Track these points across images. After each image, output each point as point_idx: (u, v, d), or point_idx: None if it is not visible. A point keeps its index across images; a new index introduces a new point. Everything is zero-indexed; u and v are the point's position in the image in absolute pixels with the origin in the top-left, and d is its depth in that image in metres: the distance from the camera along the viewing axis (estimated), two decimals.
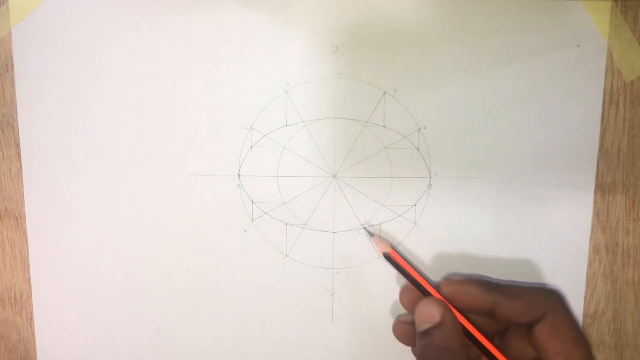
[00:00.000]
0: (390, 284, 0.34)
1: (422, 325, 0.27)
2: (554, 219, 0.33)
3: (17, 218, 0.34)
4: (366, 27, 0.32)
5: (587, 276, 0.34)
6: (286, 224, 0.33)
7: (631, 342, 0.35)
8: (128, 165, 0.33)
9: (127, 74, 0.32)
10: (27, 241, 0.34)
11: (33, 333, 0.35)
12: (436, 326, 0.27)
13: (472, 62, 0.32)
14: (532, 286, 0.28)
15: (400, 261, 0.30)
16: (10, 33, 0.32)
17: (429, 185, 0.33)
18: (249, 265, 0.34)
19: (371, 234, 0.33)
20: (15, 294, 0.34)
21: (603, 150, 0.33)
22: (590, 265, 0.34)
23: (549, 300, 0.26)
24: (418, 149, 0.33)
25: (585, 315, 0.35)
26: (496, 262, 0.34)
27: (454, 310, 0.28)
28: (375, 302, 0.34)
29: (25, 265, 0.34)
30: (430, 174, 0.33)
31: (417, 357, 0.28)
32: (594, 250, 0.34)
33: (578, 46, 0.32)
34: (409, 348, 0.33)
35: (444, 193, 0.33)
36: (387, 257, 0.31)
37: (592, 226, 0.34)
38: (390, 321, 0.34)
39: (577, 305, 0.34)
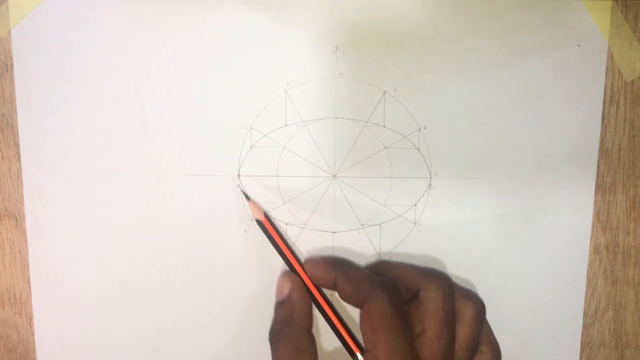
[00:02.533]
0: None
1: (276, 298, 0.30)
2: (554, 219, 0.33)
3: (16, 218, 0.34)
4: (366, 27, 0.32)
5: (587, 276, 0.34)
6: (286, 224, 0.33)
7: (631, 342, 0.35)
8: (128, 165, 0.33)
9: (127, 74, 0.32)
10: (26, 241, 0.34)
11: (33, 333, 0.35)
12: (285, 299, 0.29)
13: (472, 62, 0.32)
14: (373, 270, 0.29)
15: (270, 230, 0.31)
16: (9, 33, 0.32)
17: (429, 185, 0.33)
18: (249, 265, 0.34)
19: (247, 198, 0.33)
20: (14, 294, 0.34)
21: (603, 150, 0.33)
22: (590, 265, 0.34)
23: (373, 287, 0.26)
24: (418, 149, 0.33)
25: (585, 315, 0.35)
26: (496, 262, 0.34)
27: (309, 284, 0.29)
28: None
29: (25, 265, 0.34)
30: (430, 174, 0.33)
31: (269, 329, 0.29)
32: (595, 250, 0.34)
33: (578, 46, 0.32)
34: None
35: (444, 193, 0.33)
36: (260, 224, 0.31)
37: (593, 226, 0.34)
38: None
39: (577, 306, 0.34)
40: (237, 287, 0.34)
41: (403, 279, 0.28)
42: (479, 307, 0.28)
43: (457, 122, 0.33)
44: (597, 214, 0.34)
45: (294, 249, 0.33)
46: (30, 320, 0.35)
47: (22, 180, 0.33)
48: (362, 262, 0.34)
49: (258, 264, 0.34)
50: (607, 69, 0.32)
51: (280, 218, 0.33)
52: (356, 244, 0.34)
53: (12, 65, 0.32)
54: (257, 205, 0.32)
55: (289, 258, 0.30)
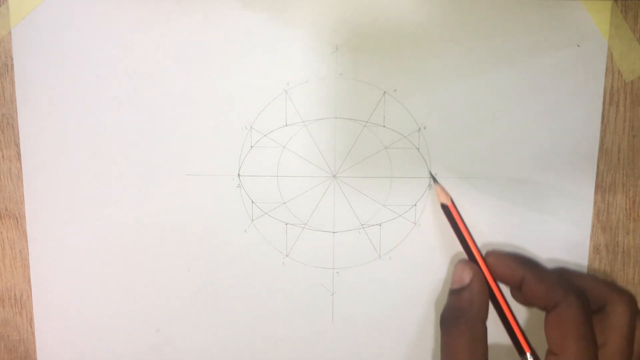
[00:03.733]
0: (391, 284, 0.34)
1: (453, 285, 0.30)
2: (554, 219, 0.33)
3: (17, 218, 0.34)
4: (366, 27, 0.32)
5: None
6: (286, 224, 0.33)
7: None
8: (128, 165, 0.33)
9: (127, 74, 0.32)
10: (27, 241, 0.34)
11: (33, 333, 0.35)
12: (464, 288, 0.29)
13: (472, 62, 0.32)
14: (563, 276, 0.29)
15: (456, 217, 0.31)
16: (10, 33, 0.32)
17: (429, 185, 0.33)
18: (249, 265, 0.34)
19: (435, 181, 0.32)
20: (15, 294, 0.34)
21: (603, 150, 0.33)
22: (590, 265, 0.34)
23: (568, 293, 0.27)
24: (418, 149, 0.33)
25: None
26: None
27: (489, 278, 0.29)
28: (375, 302, 0.34)
29: (25, 265, 0.34)
30: (430, 174, 0.33)
31: (441, 314, 0.29)
32: (595, 250, 0.34)
33: (578, 46, 0.32)
34: (409, 348, 0.33)
35: None
36: (445, 209, 0.31)
37: (593, 226, 0.34)
38: (390, 321, 0.34)
39: None
40: (237, 286, 0.34)
41: (590, 289, 0.29)
42: None
43: (457, 122, 0.33)
44: (597, 214, 0.34)
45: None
46: (30, 320, 0.35)
47: (22, 180, 0.33)
48: (362, 262, 0.34)
49: (258, 264, 0.34)
50: (607, 69, 0.32)
51: (280, 218, 0.33)
52: (356, 244, 0.34)
53: (12, 65, 0.32)
54: (444, 190, 0.32)
55: (472, 248, 0.30)
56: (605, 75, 0.32)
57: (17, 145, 0.33)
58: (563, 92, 0.32)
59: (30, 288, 0.34)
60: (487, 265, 0.30)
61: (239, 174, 0.33)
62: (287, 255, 0.34)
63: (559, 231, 0.33)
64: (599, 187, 0.33)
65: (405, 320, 0.34)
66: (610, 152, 0.33)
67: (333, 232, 0.33)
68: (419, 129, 0.33)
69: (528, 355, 0.28)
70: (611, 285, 0.29)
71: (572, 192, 0.33)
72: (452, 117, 0.33)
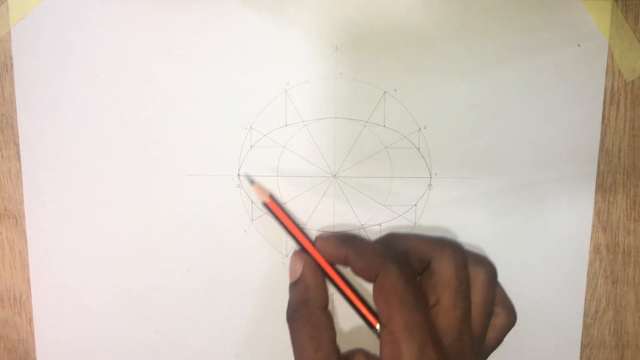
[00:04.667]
0: None
1: (290, 279, 0.29)
2: (554, 219, 0.33)
3: (16, 218, 0.34)
4: (366, 27, 0.32)
5: (587, 276, 0.34)
6: None
7: (632, 342, 0.35)
8: (128, 165, 0.33)
9: (127, 74, 0.32)
10: (26, 241, 0.34)
11: (32, 333, 0.35)
12: (297, 280, 0.29)
13: (472, 62, 0.32)
14: (384, 244, 0.29)
15: (278, 212, 0.30)
16: (9, 33, 0.32)
17: (429, 185, 0.33)
18: (249, 265, 0.34)
19: (251, 182, 0.32)
20: (14, 294, 0.34)
21: (604, 150, 0.33)
22: (590, 265, 0.34)
23: (385, 261, 0.26)
24: (418, 149, 0.33)
25: (585, 315, 0.34)
26: (496, 262, 0.34)
27: (321, 261, 0.29)
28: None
29: (25, 266, 0.34)
30: (430, 174, 0.33)
31: (286, 311, 0.29)
32: (595, 250, 0.34)
33: (579, 46, 0.32)
34: None
35: (444, 193, 0.33)
36: (266, 207, 0.31)
37: (593, 226, 0.34)
38: None
39: (577, 306, 0.34)
40: (237, 286, 0.34)
41: (414, 250, 0.28)
42: (491, 271, 0.28)
43: (457, 122, 0.33)
44: (597, 214, 0.34)
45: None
46: (30, 320, 0.35)
47: (22, 180, 0.33)
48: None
49: (258, 264, 0.34)
50: (607, 69, 0.32)
51: None
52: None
53: (12, 65, 0.32)
54: (261, 188, 0.31)
55: (299, 237, 0.30)
56: (606, 75, 0.32)
57: (17, 145, 0.33)
58: (563, 92, 0.32)
59: (30, 288, 0.34)
60: (317, 250, 0.29)
61: (239, 174, 0.33)
62: (287, 255, 0.34)
63: (559, 231, 0.33)
64: (600, 187, 0.33)
65: None
66: (611, 152, 0.33)
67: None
68: (419, 129, 0.33)
69: (377, 327, 0.27)
70: (434, 241, 0.28)
71: (572, 192, 0.33)
72: (452, 117, 0.32)
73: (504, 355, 0.33)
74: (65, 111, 0.32)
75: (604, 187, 0.33)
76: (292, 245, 0.34)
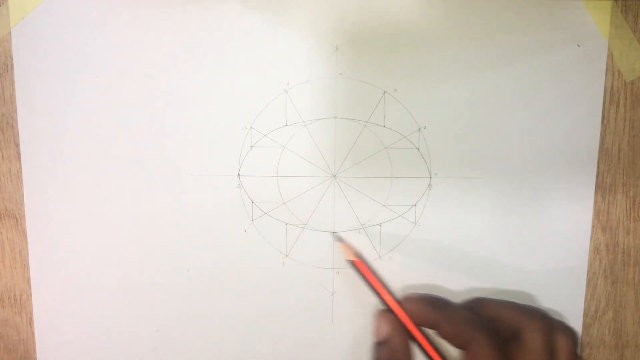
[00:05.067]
0: (391, 284, 0.34)
1: (375, 338, 0.30)
2: (554, 219, 0.33)
3: (16, 218, 0.34)
4: (366, 27, 0.32)
5: (587, 276, 0.34)
6: (286, 224, 0.33)
7: (631, 342, 0.35)
8: (128, 165, 0.33)
9: (127, 74, 0.32)
10: (26, 241, 0.34)
11: (33, 333, 0.35)
12: (384, 341, 0.29)
13: (472, 62, 0.32)
14: (474, 312, 0.29)
15: (365, 272, 0.31)
16: (10, 33, 0.32)
17: (429, 185, 0.33)
18: (249, 265, 0.34)
19: (339, 239, 0.33)
20: (15, 294, 0.34)
21: (603, 150, 0.33)
22: (590, 265, 0.34)
23: (476, 332, 0.27)
24: (418, 149, 0.33)
25: (585, 315, 0.34)
26: (496, 262, 0.34)
27: (409, 324, 0.29)
28: (375, 302, 0.34)
29: (25, 265, 0.34)
30: (430, 174, 0.33)
31: None
32: (595, 250, 0.34)
33: (578, 46, 0.32)
34: None
35: (444, 193, 0.33)
36: (353, 265, 0.31)
37: (593, 226, 0.34)
38: None
39: (577, 306, 0.34)
40: (237, 286, 0.34)
41: (503, 318, 0.29)
42: (575, 340, 0.29)
43: (457, 122, 0.33)
44: (597, 214, 0.34)
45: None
46: (30, 320, 0.35)
47: (22, 180, 0.33)
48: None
49: (258, 264, 0.34)
50: (607, 69, 0.32)
51: (280, 218, 0.33)
52: (356, 244, 0.34)
53: (12, 65, 0.32)
54: (349, 246, 0.32)
55: (387, 298, 0.30)
56: (606, 75, 0.32)
57: (17, 145, 0.33)
58: (563, 92, 0.32)
59: (30, 288, 0.34)
60: (405, 312, 0.29)
61: (239, 174, 0.33)
62: (287, 255, 0.34)
63: (559, 231, 0.33)
64: (599, 187, 0.33)
65: None
66: (611, 152, 0.33)
67: (333, 232, 0.33)
68: (419, 129, 0.33)
69: None
70: (524, 310, 0.29)
71: (572, 192, 0.33)
72: (452, 117, 0.33)
73: None
74: (65, 111, 0.32)
75: (604, 187, 0.33)
76: (291, 246, 0.34)
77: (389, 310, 0.30)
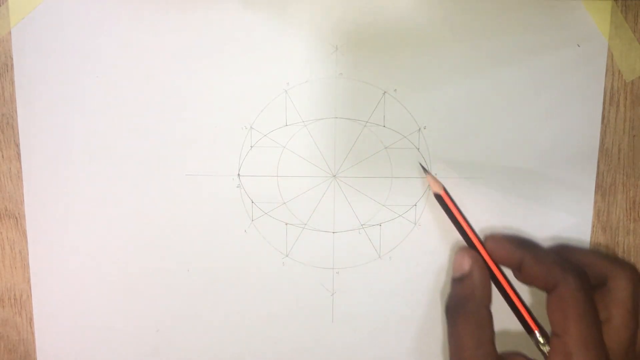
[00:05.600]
0: (391, 284, 0.34)
1: (455, 273, 0.30)
2: (554, 219, 0.33)
3: (16, 218, 0.34)
4: (366, 27, 0.32)
5: None
6: (286, 224, 0.33)
7: None
8: (128, 165, 0.33)
9: (127, 74, 0.32)
10: (26, 241, 0.34)
11: (33, 333, 0.35)
12: (464, 276, 0.29)
13: (473, 62, 0.32)
14: (562, 255, 0.29)
15: (450, 205, 0.30)
16: (10, 33, 0.32)
17: (430, 185, 0.33)
18: (249, 265, 0.34)
19: (426, 171, 0.32)
20: (15, 294, 0.34)
21: (603, 150, 0.33)
22: None
23: (566, 273, 0.26)
24: (418, 149, 0.33)
25: None
26: None
27: (490, 263, 0.29)
28: (375, 302, 0.34)
29: (25, 266, 0.34)
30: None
31: (445, 304, 0.29)
32: None
33: (578, 46, 0.32)
34: (409, 348, 0.33)
35: None
36: (439, 199, 0.31)
37: (593, 226, 0.34)
38: (390, 321, 0.34)
39: None
40: (237, 286, 0.34)
41: (590, 265, 0.28)
42: None
43: (457, 122, 0.33)
44: (597, 214, 0.34)
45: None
46: (30, 320, 0.35)
47: (22, 180, 0.33)
48: (362, 262, 0.34)
49: (258, 264, 0.34)
50: (607, 69, 0.32)
51: (280, 218, 0.33)
52: (356, 244, 0.34)
53: (12, 65, 0.32)
54: (435, 179, 0.31)
55: (470, 234, 0.30)
56: (606, 75, 0.32)
57: (17, 145, 0.33)
58: (563, 92, 0.32)
59: (30, 288, 0.34)
60: (486, 250, 0.29)
61: (239, 174, 0.33)
62: (287, 255, 0.34)
63: (560, 231, 0.33)
64: (599, 187, 0.33)
65: (405, 320, 0.34)
66: (611, 152, 0.33)
67: (333, 232, 0.33)
68: (419, 129, 0.33)
69: (536, 333, 0.28)
70: (612, 259, 0.29)
71: (572, 192, 0.33)
72: (452, 117, 0.32)
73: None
74: (66, 111, 0.32)
75: (604, 187, 0.33)
76: (291, 246, 0.34)
77: (471, 247, 0.30)
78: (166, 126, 0.33)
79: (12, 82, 0.32)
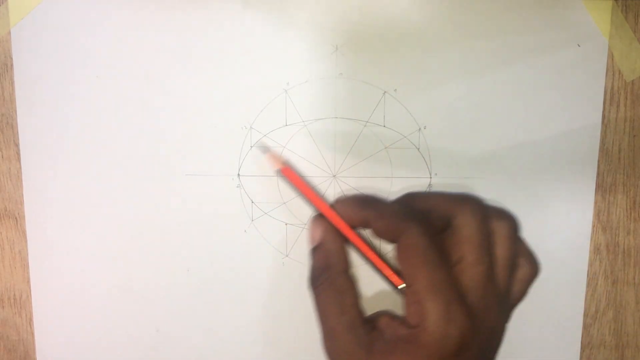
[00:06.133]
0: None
1: (310, 244, 0.29)
2: (554, 219, 0.33)
3: (16, 218, 0.33)
4: (366, 27, 0.32)
5: (587, 276, 0.34)
6: (286, 224, 0.33)
7: (632, 342, 0.35)
8: (128, 165, 0.33)
9: (127, 74, 0.32)
10: (26, 241, 0.34)
11: (32, 333, 0.35)
12: (317, 246, 0.28)
13: (473, 62, 0.32)
14: (404, 204, 0.28)
15: (294, 179, 0.30)
16: (9, 33, 0.32)
17: (429, 185, 0.33)
18: (249, 265, 0.34)
19: (265, 150, 0.32)
20: (14, 294, 0.34)
21: (604, 150, 0.33)
22: (591, 265, 0.34)
23: (407, 222, 0.26)
24: (418, 149, 0.33)
25: (585, 315, 0.34)
26: None
27: (341, 225, 0.28)
28: (374, 302, 0.34)
29: (25, 266, 0.34)
30: (430, 174, 0.33)
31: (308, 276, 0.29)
32: (595, 250, 0.34)
33: (579, 46, 0.32)
34: None
35: None
36: (281, 175, 0.30)
37: (593, 226, 0.34)
38: None
39: (577, 306, 0.34)
40: (237, 286, 0.34)
41: (434, 208, 0.27)
42: (513, 224, 0.27)
43: (457, 122, 0.33)
44: (597, 214, 0.34)
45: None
46: (30, 320, 0.35)
47: (22, 180, 0.33)
48: (361, 262, 0.34)
49: (258, 264, 0.34)
50: (607, 69, 0.32)
51: (280, 218, 0.33)
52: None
53: (12, 65, 0.32)
54: (276, 155, 0.31)
55: (317, 203, 0.29)
56: (606, 75, 0.32)
57: (17, 145, 0.33)
58: (563, 92, 0.32)
59: (30, 288, 0.34)
60: (337, 214, 0.28)
61: (239, 174, 0.33)
62: (287, 255, 0.34)
63: (559, 231, 0.33)
64: (600, 187, 0.33)
65: None
66: (611, 152, 0.33)
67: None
68: (419, 129, 0.33)
69: (401, 287, 0.27)
70: (455, 197, 0.28)
71: (572, 192, 0.33)
72: (452, 117, 0.32)
73: (504, 355, 0.33)
74: (66, 111, 0.32)
75: (604, 187, 0.33)
76: (291, 246, 0.34)
77: (321, 216, 0.29)
78: (166, 126, 0.33)
79: (12, 82, 0.32)
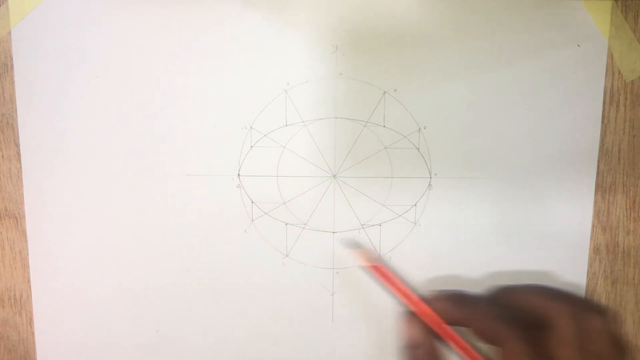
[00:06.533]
0: None
1: (405, 342, 0.29)
2: (554, 219, 0.33)
3: (16, 218, 0.34)
4: (366, 27, 0.32)
5: (587, 276, 0.34)
6: (286, 224, 0.33)
7: (631, 342, 0.35)
8: (128, 165, 0.33)
9: (127, 74, 0.32)
10: (26, 241, 0.34)
11: (33, 333, 0.35)
12: (416, 345, 0.28)
13: (473, 62, 0.32)
14: (500, 309, 0.28)
15: (390, 277, 0.29)
16: (10, 33, 0.32)
17: (429, 185, 0.33)
18: (249, 265, 0.34)
19: (357, 246, 0.32)
20: (15, 294, 0.34)
21: (603, 150, 0.33)
22: (590, 265, 0.34)
23: (509, 329, 0.26)
24: (418, 149, 0.33)
25: None
26: (496, 262, 0.34)
27: (443, 327, 0.28)
28: (375, 302, 0.34)
29: (25, 266, 0.34)
30: (430, 174, 0.33)
31: None
32: (595, 250, 0.34)
33: (578, 46, 0.32)
34: None
35: (444, 193, 0.33)
36: (371, 271, 0.29)
37: (593, 226, 0.34)
38: (390, 321, 0.34)
39: None
40: (237, 286, 0.34)
41: (530, 306, 0.28)
42: (610, 319, 0.27)
43: (457, 122, 0.33)
44: (597, 214, 0.34)
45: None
46: (30, 320, 0.35)
47: (22, 180, 0.33)
48: None
49: (258, 264, 0.34)
50: (607, 69, 0.32)
51: (280, 218, 0.33)
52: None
53: (12, 65, 0.32)
54: (367, 253, 0.30)
55: (413, 301, 0.28)
56: (606, 75, 0.32)
57: (17, 145, 0.33)
58: (563, 92, 0.32)
59: (30, 288, 0.34)
60: (434, 311, 0.28)
61: (238, 174, 0.33)
62: (287, 255, 0.34)
63: (560, 231, 0.33)
64: (599, 187, 0.33)
65: None
66: (611, 152, 0.33)
67: (333, 232, 0.33)
68: (419, 129, 0.33)
69: None
70: (551, 294, 0.28)
71: (572, 192, 0.33)
72: (452, 117, 0.32)
73: None
74: (65, 111, 0.32)
75: (604, 187, 0.33)
76: (291, 246, 0.34)
77: (414, 313, 0.29)
78: (166, 126, 0.33)
79: (12, 82, 0.32)
